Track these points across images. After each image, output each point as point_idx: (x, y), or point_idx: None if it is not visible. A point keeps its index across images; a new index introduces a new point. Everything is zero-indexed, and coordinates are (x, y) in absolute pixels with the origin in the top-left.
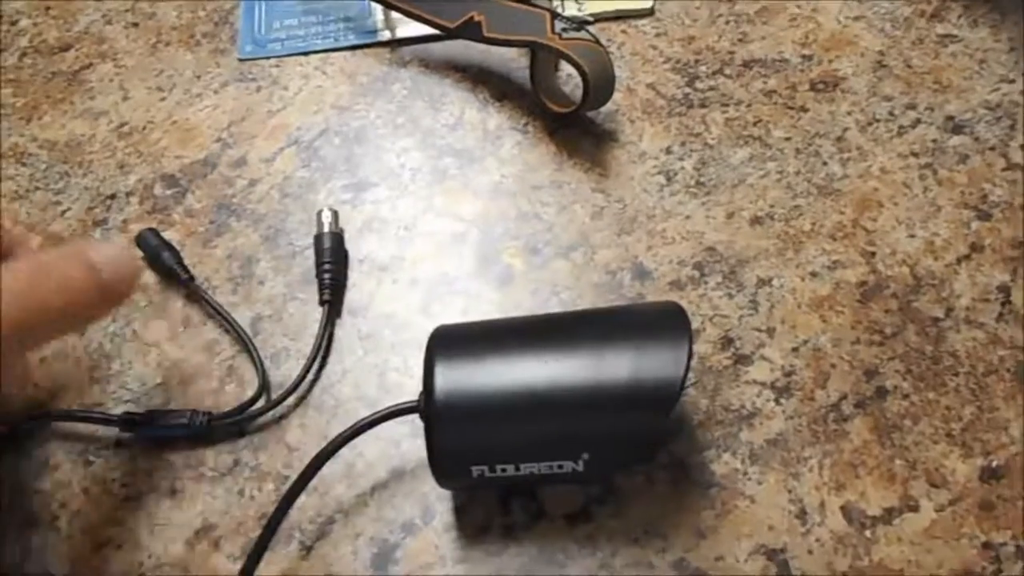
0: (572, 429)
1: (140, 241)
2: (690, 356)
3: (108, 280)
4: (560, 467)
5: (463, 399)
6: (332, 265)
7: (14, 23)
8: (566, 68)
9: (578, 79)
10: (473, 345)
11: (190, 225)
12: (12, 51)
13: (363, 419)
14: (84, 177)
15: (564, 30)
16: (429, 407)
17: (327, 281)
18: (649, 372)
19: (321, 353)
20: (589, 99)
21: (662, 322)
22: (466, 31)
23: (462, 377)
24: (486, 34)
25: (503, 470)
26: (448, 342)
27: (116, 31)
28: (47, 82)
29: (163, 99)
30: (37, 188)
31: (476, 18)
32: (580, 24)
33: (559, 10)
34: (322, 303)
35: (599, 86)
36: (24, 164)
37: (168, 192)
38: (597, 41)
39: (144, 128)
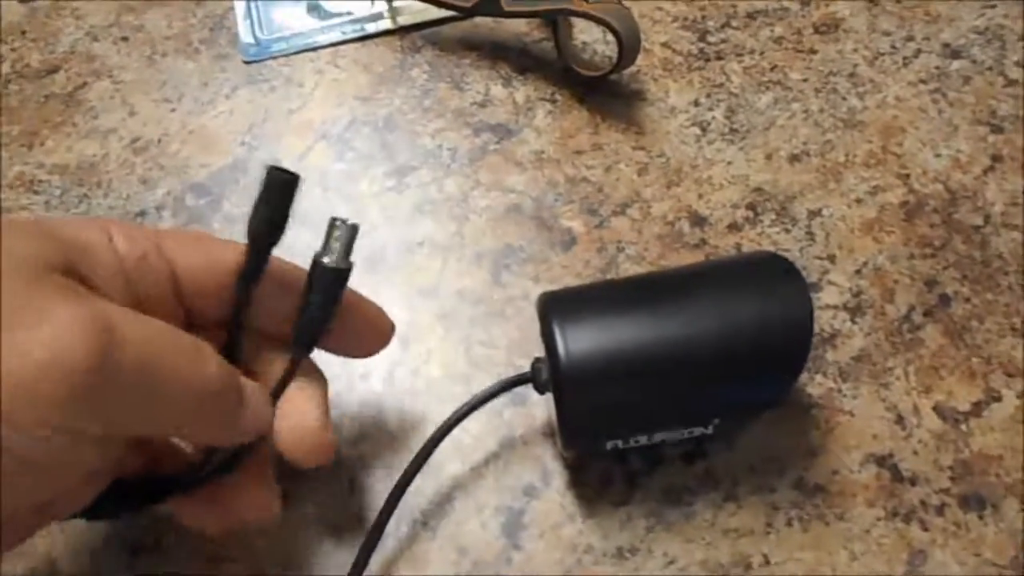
0: (706, 396)
1: None
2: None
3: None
4: (691, 432)
5: (594, 369)
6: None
7: None
8: (579, 35)
9: (595, 44)
10: (591, 310)
11: (232, 232)
12: None
13: (478, 395)
14: (106, 197)
15: None
16: (557, 378)
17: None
18: (777, 331)
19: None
20: (623, 60)
21: (773, 275)
22: (485, 8)
23: (589, 345)
24: (507, 8)
25: (636, 441)
26: (563, 310)
27: (105, 47)
28: (41, 106)
29: (173, 110)
30: (56, 214)
31: None
32: None
33: None
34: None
35: (631, 46)
36: (36, 192)
37: (202, 201)
38: (620, 2)
39: (160, 141)
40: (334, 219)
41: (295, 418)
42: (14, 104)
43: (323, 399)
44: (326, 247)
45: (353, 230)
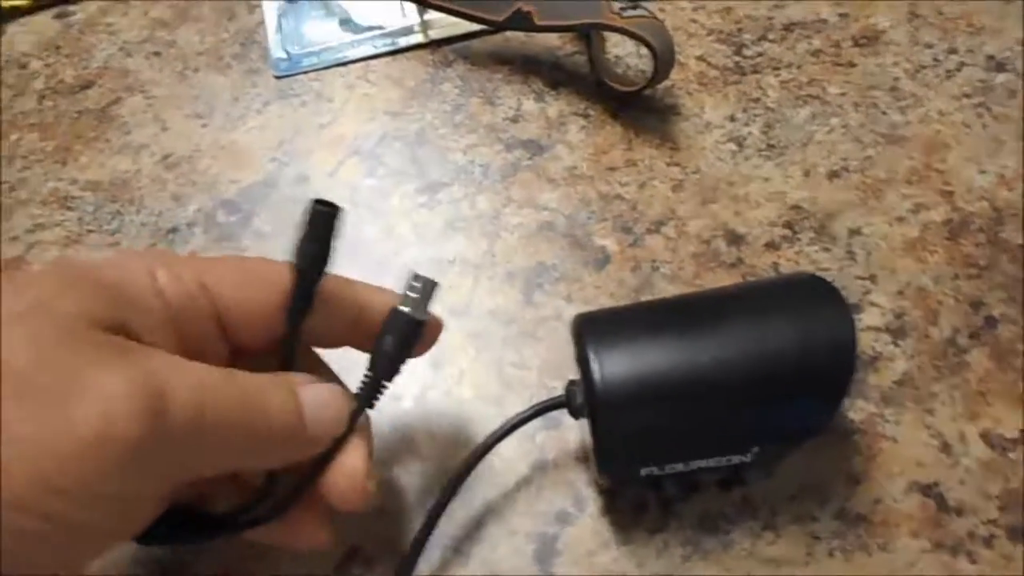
0: (745, 423)
1: None
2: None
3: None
4: (728, 460)
5: (630, 394)
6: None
7: (23, 67)
8: (611, 49)
9: (628, 57)
10: (627, 333)
11: (263, 249)
12: (28, 95)
13: (513, 418)
14: (138, 213)
15: (623, 9)
16: (593, 403)
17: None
18: (819, 356)
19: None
20: (658, 75)
21: (813, 298)
22: (516, 23)
23: (625, 369)
24: (538, 23)
25: (672, 468)
26: (598, 332)
27: (138, 63)
28: (75, 122)
29: (204, 125)
30: (90, 231)
31: (524, 8)
32: (635, 2)
33: None
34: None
35: (666, 60)
36: (70, 208)
37: (232, 218)
38: (654, 16)
39: (191, 157)
40: (416, 275)
41: (341, 466)
42: (49, 120)
43: (369, 446)
44: (406, 299)
45: (430, 287)
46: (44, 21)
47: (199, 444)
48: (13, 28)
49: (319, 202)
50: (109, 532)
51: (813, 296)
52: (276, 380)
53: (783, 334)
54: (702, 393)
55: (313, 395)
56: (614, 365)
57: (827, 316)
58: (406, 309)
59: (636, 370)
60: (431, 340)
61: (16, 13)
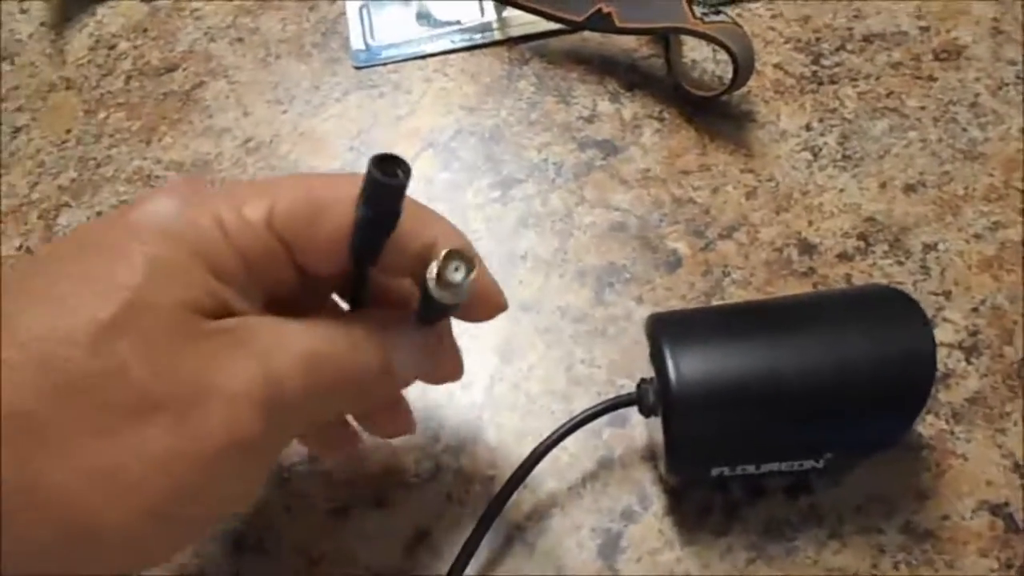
0: (821, 429)
1: None
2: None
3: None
4: (800, 465)
5: (705, 394)
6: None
7: (112, 47)
8: (688, 53)
9: (704, 62)
10: (702, 334)
11: None
12: (116, 75)
13: (582, 413)
14: None
15: (705, 14)
16: (667, 401)
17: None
18: (898, 368)
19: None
20: (737, 81)
21: (893, 310)
22: (596, 23)
23: (701, 369)
24: (619, 24)
25: (743, 470)
26: (674, 332)
27: (222, 48)
28: (160, 103)
29: (284, 112)
30: None
31: (605, 9)
32: (717, 7)
33: None
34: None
35: (746, 67)
36: (153, 186)
37: None
38: (736, 22)
39: (271, 142)
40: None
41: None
42: (135, 100)
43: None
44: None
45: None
46: (132, 4)
47: (308, 410)
48: (103, 10)
49: (381, 160)
50: (234, 508)
51: (894, 308)
52: (368, 334)
53: (863, 344)
54: (779, 397)
55: (397, 342)
56: (690, 364)
57: (908, 328)
58: (433, 287)
59: (712, 370)
60: (486, 310)
61: None
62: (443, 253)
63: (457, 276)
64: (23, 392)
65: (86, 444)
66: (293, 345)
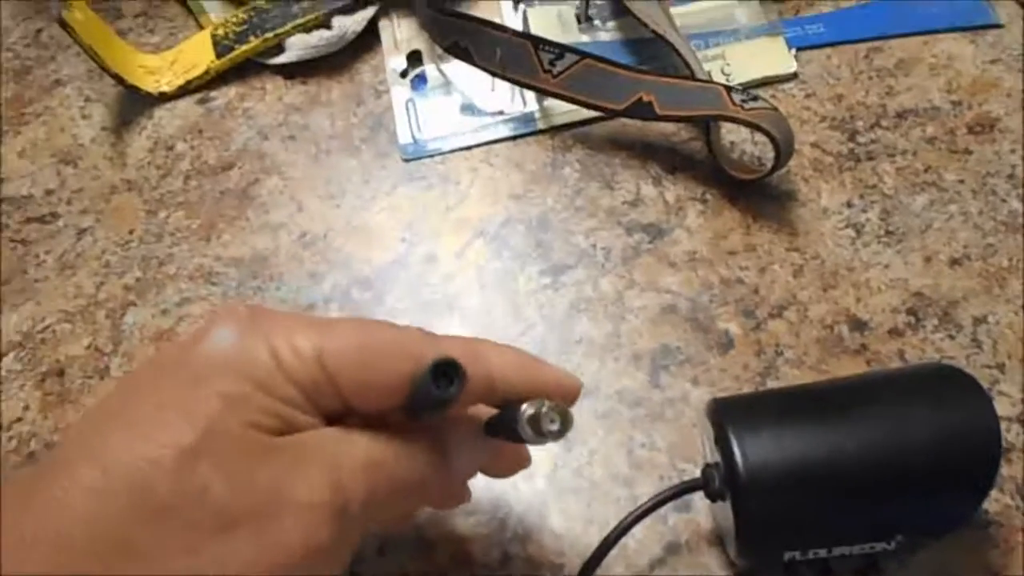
0: (890, 511)
1: None
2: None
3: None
4: (872, 548)
5: (774, 477)
6: None
7: (170, 148)
8: (726, 135)
9: (743, 144)
10: (765, 418)
11: None
12: (175, 175)
13: (650, 500)
14: (278, 290)
15: (743, 100)
16: (736, 485)
17: None
18: (964, 447)
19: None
20: (779, 164)
21: (953, 388)
22: (637, 111)
23: (768, 453)
24: (660, 112)
25: (815, 554)
26: (738, 416)
27: (274, 146)
28: (217, 201)
29: (337, 206)
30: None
31: (646, 98)
32: (754, 94)
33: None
34: None
35: (787, 152)
36: (214, 283)
37: (367, 295)
38: (774, 107)
39: (325, 236)
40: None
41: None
42: (194, 199)
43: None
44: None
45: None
46: (188, 106)
47: (372, 513)
48: (160, 112)
49: (438, 368)
50: None
51: (953, 386)
52: (429, 441)
53: (926, 424)
54: (846, 480)
55: (459, 447)
56: (756, 449)
57: (970, 406)
58: (524, 426)
59: (779, 454)
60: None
61: (164, 98)
62: (547, 404)
63: (552, 427)
64: (115, 516)
65: (177, 561)
66: (356, 454)
